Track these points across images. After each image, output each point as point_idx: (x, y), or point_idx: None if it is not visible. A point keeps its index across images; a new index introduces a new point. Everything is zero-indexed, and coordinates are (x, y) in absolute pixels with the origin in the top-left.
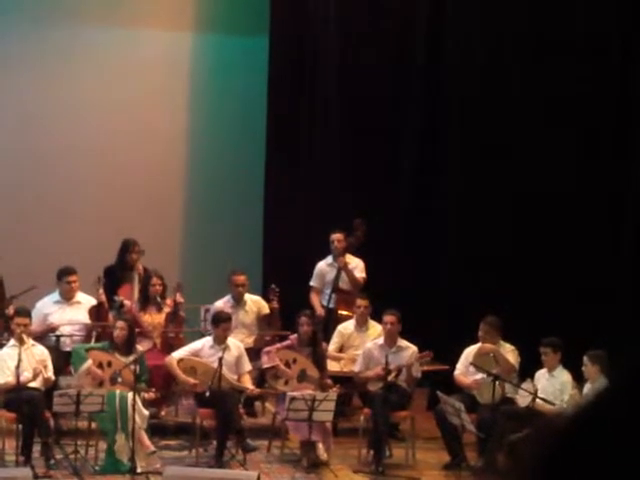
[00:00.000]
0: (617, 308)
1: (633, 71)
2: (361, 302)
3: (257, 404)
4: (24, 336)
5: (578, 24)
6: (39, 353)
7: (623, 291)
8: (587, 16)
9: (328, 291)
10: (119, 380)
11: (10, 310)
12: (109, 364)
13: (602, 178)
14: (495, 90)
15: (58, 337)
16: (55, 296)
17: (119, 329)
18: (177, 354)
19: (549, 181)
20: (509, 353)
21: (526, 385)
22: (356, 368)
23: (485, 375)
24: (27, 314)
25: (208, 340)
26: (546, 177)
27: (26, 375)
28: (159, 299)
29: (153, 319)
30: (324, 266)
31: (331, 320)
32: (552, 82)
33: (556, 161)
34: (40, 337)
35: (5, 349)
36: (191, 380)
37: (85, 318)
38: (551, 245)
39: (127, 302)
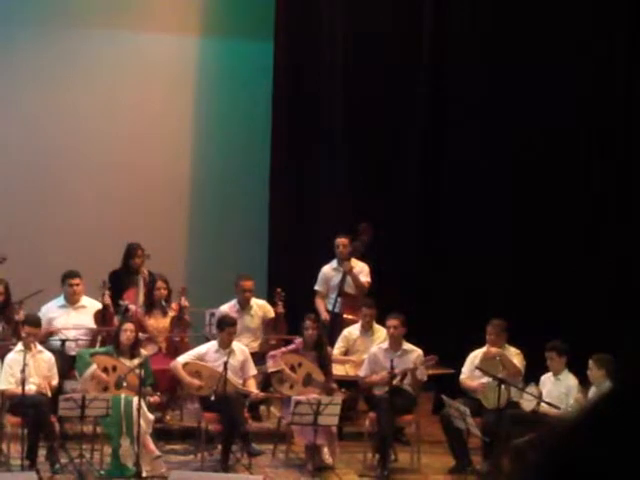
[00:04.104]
0: (621, 311)
1: (637, 72)
2: (367, 311)
3: (262, 408)
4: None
5: (582, 25)
6: (46, 360)
7: (628, 294)
8: (592, 17)
9: (333, 295)
10: (124, 384)
11: (20, 315)
12: (114, 368)
13: (605, 178)
14: (498, 90)
15: (63, 341)
16: (60, 300)
17: (129, 331)
18: (182, 358)
19: (552, 181)
20: (514, 357)
21: (531, 389)
22: (361, 372)
23: (491, 379)
24: (37, 324)
25: (213, 344)
26: (549, 177)
27: (31, 387)
28: (164, 303)
29: (158, 323)
30: (329, 270)
31: (337, 324)
32: (555, 82)
33: (558, 161)
34: (41, 341)
35: (12, 354)
36: (196, 382)
37: (90, 322)
38: (556, 247)
39: (132, 306)
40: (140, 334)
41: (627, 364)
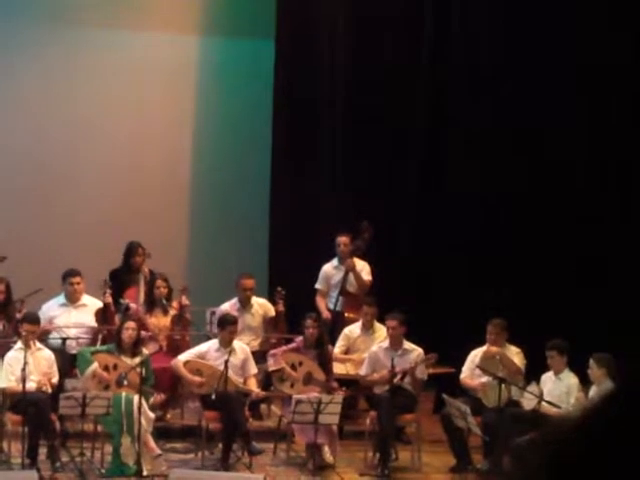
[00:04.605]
0: (623, 310)
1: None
2: (368, 309)
3: (263, 407)
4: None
5: (585, 25)
6: (46, 357)
7: (629, 293)
8: (594, 17)
9: (334, 294)
10: (125, 383)
11: (22, 314)
12: (115, 367)
13: (605, 178)
14: (501, 89)
15: (64, 340)
16: (61, 299)
17: (130, 329)
18: (183, 357)
19: (553, 179)
20: (515, 355)
21: (531, 388)
22: (362, 371)
23: (491, 378)
24: (36, 321)
25: (214, 343)
26: (549, 176)
27: (31, 384)
28: (165, 302)
29: (159, 322)
30: (329, 269)
31: (338, 323)
32: (556, 82)
33: (559, 160)
34: (39, 339)
35: (12, 352)
36: (197, 379)
37: (91, 320)
38: (557, 246)
39: (133, 305)
40: (143, 332)
41: (629, 364)
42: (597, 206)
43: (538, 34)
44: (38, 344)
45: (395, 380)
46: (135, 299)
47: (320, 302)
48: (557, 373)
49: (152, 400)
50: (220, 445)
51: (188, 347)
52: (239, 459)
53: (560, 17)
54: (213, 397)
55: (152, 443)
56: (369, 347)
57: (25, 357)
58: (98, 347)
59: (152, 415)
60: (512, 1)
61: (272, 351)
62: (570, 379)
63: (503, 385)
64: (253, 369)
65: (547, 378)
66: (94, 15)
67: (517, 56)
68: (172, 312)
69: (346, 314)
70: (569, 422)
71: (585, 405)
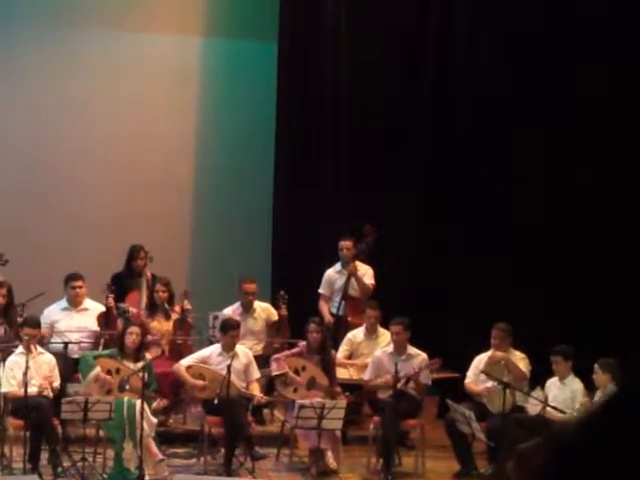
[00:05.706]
0: (628, 315)
1: None
2: (371, 312)
3: (266, 412)
4: (32, 345)
5: (587, 27)
6: (47, 361)
7: (634, 298)
8: (598, 20)
9: (337, 298)
10: (127, 387)
11: (22, 318)
12: (117, 371)
13: (609, 178)
14: (503, 90)
15: (66, 344)
16: (63, 303)
17: (134, 334)
18: (185, 361)
19: (556, 182)
20: (520, 361)
21: (536, 393)
22: (366, 376)
23: (496, 383)
24: (36, 324)
25: (216, 347)
26: (552, 178)
27: (33, 389)
28: (167, 306)
29: (161, 326)
30: (332, 273)
31: (341, 327)
32: (560, 82)
33: (562, 161)
34: (42, 343)
35: (13, 357)
36: (200, 382)
37: (93, 325)
38: (562, 250)
39: (132, 309)
40: (149, 336)
41: (629, 368)
42: (603, 210)
43: (540, 35)
44: (39, 348)
45: (399, 385)
46: (137, 303)
47: (323, 307)
48: (562, 378)
49: (154, 405)
50: (222, 450)
51: (190, 352)
52: (242, 464)
53: (560, 19)
54: (215, 402)
55: (154, 448)
56: (372, 352)
57: (26, 361)
58: (100, 351)
59: (154, 420)
60: (514, 1)
61: (275, 356)
62: (575, 384)
63: (508, 390)
64: (256, 374)
65: (552, 383)
66: (97, 16)
67: (519, 56)
68: (174, 316)
69: (349, 319)
70: (572, 426)
71: (587, 409)
